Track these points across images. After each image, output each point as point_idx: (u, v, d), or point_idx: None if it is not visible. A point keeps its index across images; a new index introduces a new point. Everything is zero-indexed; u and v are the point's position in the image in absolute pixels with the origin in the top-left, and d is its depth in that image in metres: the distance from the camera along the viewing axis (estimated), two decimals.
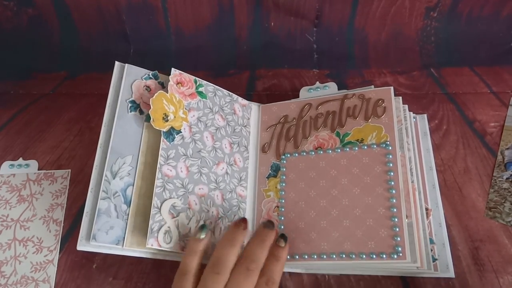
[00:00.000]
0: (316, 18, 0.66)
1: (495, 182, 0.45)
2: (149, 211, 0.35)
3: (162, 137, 0.38)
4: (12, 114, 0.60)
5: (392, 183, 0.37)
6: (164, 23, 0.68)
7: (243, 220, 0.35)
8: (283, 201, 0.41)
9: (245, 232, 0.34)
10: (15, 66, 0.69)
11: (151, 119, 0.38)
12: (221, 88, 0.47)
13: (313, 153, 0.42)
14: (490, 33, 0.65)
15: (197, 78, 0.44)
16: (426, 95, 0.58)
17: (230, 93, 0.47)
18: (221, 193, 0.41)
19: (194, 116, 0.42)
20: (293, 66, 0.66)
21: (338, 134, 0.42)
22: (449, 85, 0.60)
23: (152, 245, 0.34)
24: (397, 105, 0.42)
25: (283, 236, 0.35)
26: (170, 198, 0.37)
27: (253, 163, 0.45)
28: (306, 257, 0.36)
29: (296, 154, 0.43)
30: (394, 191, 0.36)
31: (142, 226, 0.36)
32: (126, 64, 0.41)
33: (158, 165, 0.37)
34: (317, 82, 0.49)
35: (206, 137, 0.42)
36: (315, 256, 0.36)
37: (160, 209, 0.36)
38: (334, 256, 0.35)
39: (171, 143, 0.39)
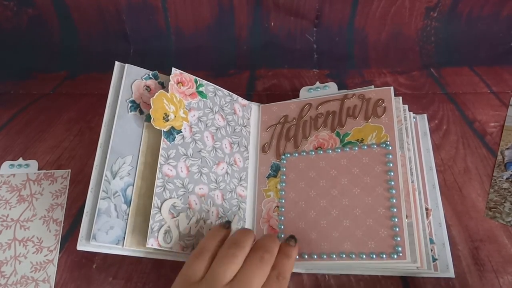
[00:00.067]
0: (316, 18, 0.66)
1: (495, 182, 0.45)
2: (149, 211, 0.35)
3: (162, 137, 0.38)
4: (12, 114, 0.60)
5: (392, 183, 0.37)
6: (164, 23, 0.68)
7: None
8: (283, 201, 0.41)
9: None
10: (15, 66, 0.69)
11: (152, 118, 0.38)
12: (221, 88, 0.47)
13: (313, 153, 0.42)
14: (490, 33, 0.65)
15: (197, 78, 0.44)
16: (426, 95, 0.58)
17: (230, 93, 0.47)
18: (221, 193, 0.41)
19: (194, 116, 0.42)
20: (293, 66, 0.67)
21: (338, 134, 0.42)
22: (449, 85, 0.60)
23: (152, 245, 0.34)
24: (397, 105, 0.42)
25: (293, 237, 0.35)
26: (170, 198, 0.37)
27: (253, 163, 0.46)
28: (306, 257, 0.36)
29: (296, 154, 0.43)
30: (394, 191, 0.36)
31: (142, 226, 0.36)
32: (126, 64, 0.41)
33: (159, 165, 0.37)
34: (317, 82, 0.49)
35: (207, 137, 0.42)
36: (315, 256, 0.36)
37: (160, 209, 0.36)
38: (334, 256, 0.35)
39: (172, 142, 0.39)
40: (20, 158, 0.51)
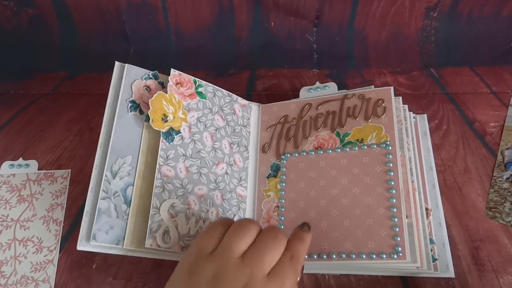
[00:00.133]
0: (316, 18, 0.66)
1: (495, 182, 0.45)
2: (148, 211, 0.35)
3: (161, 138, 0.38)
4: (12, 114, 0.60)
5: (392, 183, 0.37)
6: (164, 23, 0.68)
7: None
8: (283, 201, 0.41)
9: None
10: (15, 66, 0.69)
11: (150, 119, 0.38)
12: (220, 88, 0.47)
13: (313, 153, 0.42)
14: (490, 33, 0.65)
15: (196, 79, 0.44)
16: (426, 95, 0.58)
17: (230, 93, 0.47)
18: (221, 193, 0.41)
19: (193, 116, 0.42)
20: (293, 66, 0.66)
21: (338, 134, 0.42)
22: (449, 85, 0.60)
23: (151, 245, 0.34)
24: (397, 105, 0.42)
25: (306, 223, 0.33)
26: (169, 198, 0.37)
27: (253, 163, 0.45)
28: (306, 257, 0.36)
29: (296, 154, 0.43)
30: (394, 191, 0.36)
31: (142, 226, 0.36)
32: (126, 64, 0.41)
33: (157, 165, 0.37)
34: (317, 82, 0.49)
35: (206, 137, 0.42)
36: (315, 256, 0.36)
37: (159, 210, 0.36)
38: (334, 256, 0.35)
39: (170, 143, 0.39)
40: (20, 158, 0.51)
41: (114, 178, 0.36)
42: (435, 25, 0.66)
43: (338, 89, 0.48)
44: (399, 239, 0.34)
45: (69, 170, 0.50)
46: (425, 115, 0.51)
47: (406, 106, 0.44)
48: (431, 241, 0.38)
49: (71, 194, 0.47)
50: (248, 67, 0.67)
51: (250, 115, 0.49)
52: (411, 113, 0.46)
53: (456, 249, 0.39)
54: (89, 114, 0.59)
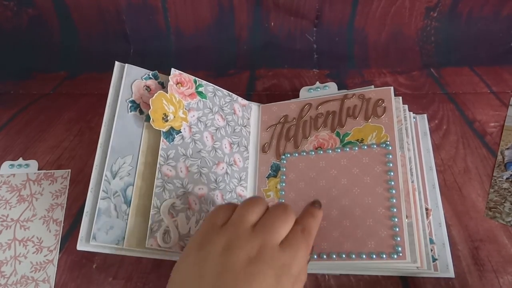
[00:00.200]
0: (316, 18, 0.66)
1: (495, 182, 0.45)
2: (149, 211, 0.35)
3: (161, 137, 0.38)
4: (12, 114, 0.60)
5: (392, 183, 0.37)
6: (164, 23, 0.68)
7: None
8: (283, 201, 0.41)
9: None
10: (15, 66, 0.69)
11: (151, 119, 0.38)
12: (221, 88, 0.47)
13: (313, 153, 0.42)
14: (490, 33, 0.65)
15: (196, 78, 0.44)
16: (426, 95, 0.58)
17: (230, 93, 0.47)
18: (221, 193, 0.41)
19: (194, 116, 0.42)
20: (293, 66, 0.66)
21: (338, 134, 0.42)
22: (449, 85, 0.60)
23: (151, 245, 0.34)
24: (397, 105, 0.42)
25: (317, 201, 0.33)
26: (170, 198, 0.37)
27: (253, 163, 0.46)
28: None
29: (296, 154, 0.43)
30: (394, 191, 0.36)
31: (142, 226, 0.36)
32: (126, 64, 0.41)
33: (158, 165, 0.37)
34: (317, 82, 0.49)
35: (206, 137, 0.42)
36: (315, 256, 0.36)
37: (159, 209, 0.36)
38: (334, 256, 0.35)
39: (171, 143, 0.39)
40: (20, 158, 0.51)
41: (114, 178, 0.36)
42: (435, 25, 0.66)
43: (338, 89, 0.48)
44: (399, 239, 0.34)
45: (69, 170, 0.50)
46: (425, 115, 0.51)
47: (406, 106, 0.44)
48: (431, 241, 0.38)
49: (71, 194, 0.47)
50: (248, 67, 0.67)
51: (250, 115, 0.49)
52: (411, 113, 0.46)
53: (456, 249, 0.39)
54: (89, 114, 0.59)
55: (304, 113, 0.46)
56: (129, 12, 0.67)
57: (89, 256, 0.40)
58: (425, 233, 0.36)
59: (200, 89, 0.44)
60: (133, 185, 0.37)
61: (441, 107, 0.55)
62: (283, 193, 0.41)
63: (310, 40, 0.68)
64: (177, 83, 0.42)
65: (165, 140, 0.39)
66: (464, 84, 0.60)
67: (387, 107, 0.42)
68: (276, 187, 0.42)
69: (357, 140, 0.41)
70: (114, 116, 0.38)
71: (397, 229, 0.34)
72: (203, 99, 0.44)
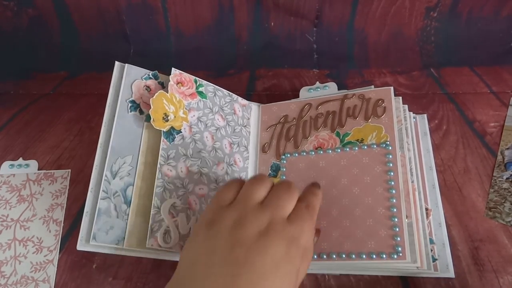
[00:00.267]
0: (316, 18, 0.66)
1: (495, 182, 0.45)
2: (149, 211, 0.35)
3: (162, 137, 0.38)
4: (12, 114, 0.60)
5: (392, 183, 0.37)
6: (164, 23, 0.68)
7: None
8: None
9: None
10: (15, 66, 0.69)
11: (151, 119, 0.38)
12: (221, 88, 0.47)
13: (313, 153, 0.42)
14: (490, 33, 0.65)
15: (197, 78, 0.44)
16: (426, 95, 0.58)
17: (230, 93, 0.47)
18: None
19: (194, 116, 0.42)
20: (293, 66, 0.67)
21: (338, 134, 0.42)
22: (449, 85, 0.60)
23: (152, 245, 0.34)
24: (397, 105, 0.42)
25: (316, 182, 0.34)
26: (170, 198, 0.37)
27: (253, 163, 0.46)
28: None
29: (296, 154, 0.43)
30: (394, 191, 0.36)
31: (142, 226, 0.36)
32: (126, 64, 0.41)
33: (158, 165, 0.37)
34: (317, 82, 0.49)
35: (206, 137, 0.42)
36: (315, 256, 0.36)
37: (160, 209, 0.36)
38: (334, 256, 0.35)
39: (171, 143, 0.39)
40: (20, 158, 0.51)
41: (114, 178, 0.36)
42: (435, 25, 0.66)
43: (338, 89, 0.48)
44: (399, 239, 0.34)
45: (69, 170, 0.50)
46: (425, 115, 0.51)
47: (406, 106, 0.44)
48: (431, 241, 0.38)
49: (71, 194, 0.47)
50: (248, 67, 0.67)
51: (250, 115, 0.49)
52: (411, 113, 0.46)
53: (456, 249, 0.39)
54: (89, 114, 0.59)
55: (304, 113, 0.46)
56: (129, 12, 0.67)
57: (89, 256, 0.40)
58: (425, 233, 0.36)
59: (200, 89, 0.44)
60: (133, 185, 0.37)
61: (441, 107, 0.55)
62: None
63: (310, 40, 0.68)
64: (178, 83, 0.42)
65: (165, 140, 0.39)
66: (464, 84, 0.60)
67: (387, 107, 0.42)
68: None
69: (357, 140, 0.41)
70: (114, 116, 0.38)
71: (397, 229, 0.34)
72: (204, 99, 0.44)
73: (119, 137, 0.38)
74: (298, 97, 0.49)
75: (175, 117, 0.40)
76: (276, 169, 0.43)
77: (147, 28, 0.68)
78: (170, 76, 0.41)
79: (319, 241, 0.36)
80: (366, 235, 0.35)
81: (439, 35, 0.66)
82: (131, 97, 0.40)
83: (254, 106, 0.49)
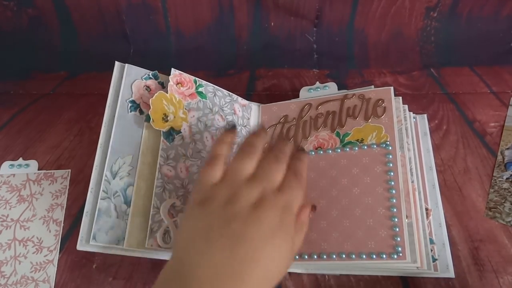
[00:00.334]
0: (316, 18, 0.66)
1: (495, 182, 0.45)
2: (149, 211, 0.35)
3: (161, 137, 0.38)
4: (12, 114, 0.60)
5: (392, 183, 0.37)
6: (164, 23, 0.68)
7: (263, 129, 0.35)
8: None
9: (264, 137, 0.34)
10: (15, 66, 0.69)
11: (151, 119, 0.38)
12: (221, 88, 0.47)
13: (313, 153, 0.42)
14: (490, 33, 0.65)
15: (197, 78, 0.44)
16: (426, 95, 0.58)
17: (230, 93, 0.47)
18: None
19: (194, 116, 0.42)
20: (293, 66, 0.67)
21: (338, 134, 0.42)
22: (449, 85, 0.60)
23: (151, 245, 0.34)
24: (397, 105, 0.42)
25: (300, 146, 0.35)
26: (170, 198, 0.37)
27: None
28: (306, 257, 0.36)
29: None
30: (394, 191, 0.36)
31: (142, 226, 0.36)
32: (126, 64, 0.41)
33: (158, 165, 0.37)
34: (317, 82, 0.49)
35: (206, 137, 0.42)
36: (315, 256, 0.36)
37: (159, 209, 0.36)
38: (334, 256, 0.35)
39: (171, 143, 0.39)
40: (20, 158, 0.51)
41: (114, 178, 0.36)
42: (435, 25, 0.66)
43: (338, 89, 0.48)
44: (399, 239, 0.34)
45: (69, 170, 0.50)
46: (425, 115, 0.51)
47: (406, 106, 0.44)
48: (431, 241, 0.38)
49: (71, 194, 0.47)
50: (248, 67, 0.67)
51: (250, 115, 0.49)
52: (411, 113, 0.46)
53: (456, 249, 0.39)
54: (89, 114, 0.59)
55: (304, 113, 0.46)
56: (129, 12, 0.67)
57: (89, 256, 0.40)
58: (425, 233, 0.36)
59: (200, 89, 0.44)
60: (133, 185, 0.37)
61: (441, 107, 0.55)
62: None
63: (310, 40, 0.68)
64: (177, 83, 0.42)
65: (165, 141, 0.39)
66: (464, 84, 0.60)
67: (387, 107, 0.42)
68: None
69: (357, 140, 0.41)
70: (114, 116, 0.38)
71: (397, 229, 0.34)
72: (203, 99, 0.44)
73: (119, 137, 0.38)
74: (298, 97, 0.49)
75: (174, 117, 0.40)
76: None
77: (147, 28, 0.68)
78: (169, 77, 0.41)
79: (319, 241, 0.36)
80: (366, 235, 0.35)
81: (439, 35, 0.66)
82: (131, 97, 0.40)
83: (254, 106, 0.49)
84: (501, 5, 0.63)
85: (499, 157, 0.47)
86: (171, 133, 0.39)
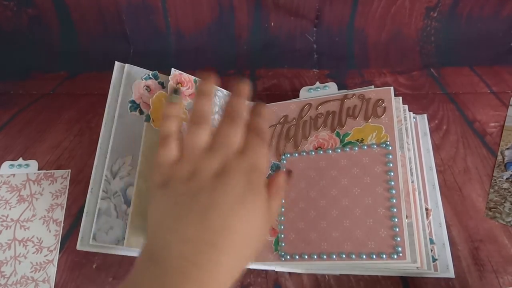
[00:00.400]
0: (316, 18, 0.66)
1: (495, 182, 0.45)
2: None
3: None
4: (12, 114, 0.60)
5: (392, 183, 0.37)
6: (164, 23, 0.68)
7: (211, 73, 0.34)
8: (283, 201, 0.41)
9: (214, 82, 0.33)
10: (15, 66, 0.69)
11: (151, 119, 0.38)
12: (221, 88, 0.47)
13: (313, 153, 0.42)
14: (490, 33, 0.65)
15: (197, 78, 0.44)
16: (426, 95, 0.58)
17: (230, 93, 0.47)
18: None
19: None
20: (293, 66, 0.67)
21: (338, 134, 0.42)
22: (449, 85, 0.60)
23: None
24: (397, 105, 0.42)
25: (261, 102, 0.33)
26: None
27: None
28: (306, 257, 0.36)
29: (296, 154, 0.43)
30: (394, 191, 0.36)
31: (142, 226, 0.36)
32: (126, 64, 0.41)
33: None
34: (317, 82, 0.49)
35: None
36: (315, 256, 0.36)
37: None
38: (334, 256, 0.35)
39: None
40: (20, 158, 0.51)
41: (114, 178, 0.36)
42: (435, 25, 0.66)
43: (338, 89, 0.48)
44: (399, 239, 0.34)
45: (69, 170, 0.50)
46: (425, 115, 0.51)
47: (406, 106, 0.44)
48: (431, 241, 0.38)
49: (71, 194, 0.47)
50: (248, 67, 0.67)
51: None
52: (411, 113, 0.46)
53: (456, 249, 0.39)
54: (89, 114, 0.59)
55: (304, 113, 0.46)
56: (129, 12, 0.67)
57: (89, 256, 0.40)
58: (425, 233, 0.36)
59: None
60: (133, 185, 0.37)
61: (441, 107, 0.55)
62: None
63: (310, 40, 0.68)
64: (177, 83, 0.42)
65: None
66: (464, 84, 0.60)
67: (387, 107, 0.42)
68: None
69: (357, 140, 0.41)
70: (114, 116, 0.38)
71: (397, 229, 0.34)
72: None
73: (119, 137, 0.38)
74: (298, 97, 0.49)
75: None
76: (276, 169, 0.43)
77: (147, 28, 0.68)
78: (169, 77, 0.41)
79: (319, 241, 0.36)
80: (366, 235, 0.35)
81: (439, 35, 0.66)
82: (131, 97, 0.40)
83: None
84: (501, 5, 0.63)
85: (499, 157, 0.47)
86: None
